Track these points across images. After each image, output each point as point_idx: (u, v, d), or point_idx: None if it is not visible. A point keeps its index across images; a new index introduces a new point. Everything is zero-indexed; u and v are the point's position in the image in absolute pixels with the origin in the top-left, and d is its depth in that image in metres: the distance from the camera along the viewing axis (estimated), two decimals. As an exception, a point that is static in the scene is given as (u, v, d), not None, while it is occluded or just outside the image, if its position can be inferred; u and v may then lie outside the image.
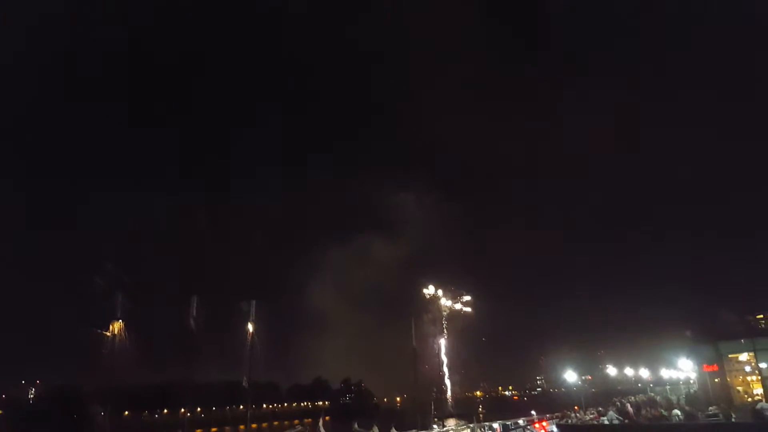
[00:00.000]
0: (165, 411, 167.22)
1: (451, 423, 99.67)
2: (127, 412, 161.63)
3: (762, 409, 33.53)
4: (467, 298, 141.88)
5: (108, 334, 54.65)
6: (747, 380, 40.68)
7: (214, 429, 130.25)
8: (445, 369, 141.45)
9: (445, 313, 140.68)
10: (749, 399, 38.38)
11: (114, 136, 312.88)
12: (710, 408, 37.30)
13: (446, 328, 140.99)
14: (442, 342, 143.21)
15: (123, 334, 55.34)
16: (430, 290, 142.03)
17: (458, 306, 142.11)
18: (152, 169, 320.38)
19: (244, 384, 58.67)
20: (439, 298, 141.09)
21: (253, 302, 60.33)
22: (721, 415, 34.96)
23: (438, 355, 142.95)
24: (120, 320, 55.58)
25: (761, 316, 45.32)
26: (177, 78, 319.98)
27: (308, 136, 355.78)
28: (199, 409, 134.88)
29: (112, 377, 56.29)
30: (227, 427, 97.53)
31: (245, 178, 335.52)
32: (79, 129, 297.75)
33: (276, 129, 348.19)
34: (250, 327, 58.95)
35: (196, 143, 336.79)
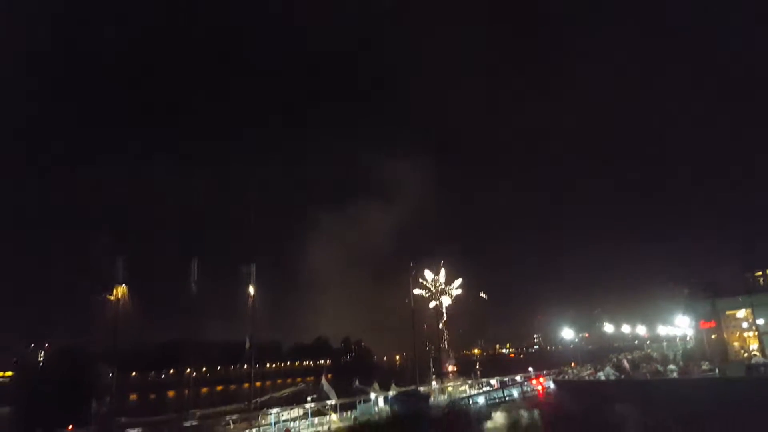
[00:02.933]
0: (171, 371, 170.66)
1: (450, 380, 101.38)
2: (134, 373, 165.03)
3: (756, 363, 34.23)
4: (458, 282, 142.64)
5: (112, 298, 55.32)
6: (743, 336, 41.28)
7: (219, 387, 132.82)
8: (443, 328, 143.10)
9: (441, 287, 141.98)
10: (745, 354, 39.00)
11: (113, 87, 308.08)
12: (704, 363, 37.98)
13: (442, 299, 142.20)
14: (441, 303, 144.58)
15: (126, 297, 56.00)
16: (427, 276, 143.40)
17: (454, 292, 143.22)
18: (152, 127, 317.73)
19: (247, 344, 59.63)
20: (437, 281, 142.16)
21: (254, 265, 60.97)
22: (716, 370, 35.70)
23: (436, 315, 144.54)
24: (123, 284, 56.18)
25: (760, 273, 45.49)
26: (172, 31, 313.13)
27: (310, 98, 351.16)
28: (204, 368, 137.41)
29: (117, 340, 57.19)
30: (232, 386, 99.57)
31: (244, 138, 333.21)
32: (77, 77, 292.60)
33: (277, 95, 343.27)
34: (251, 289, 59.71)
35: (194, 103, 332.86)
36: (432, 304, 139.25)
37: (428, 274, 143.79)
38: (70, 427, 46.64)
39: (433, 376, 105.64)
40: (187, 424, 48.73)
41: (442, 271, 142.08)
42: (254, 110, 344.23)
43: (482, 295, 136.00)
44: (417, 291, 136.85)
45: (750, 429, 25.58)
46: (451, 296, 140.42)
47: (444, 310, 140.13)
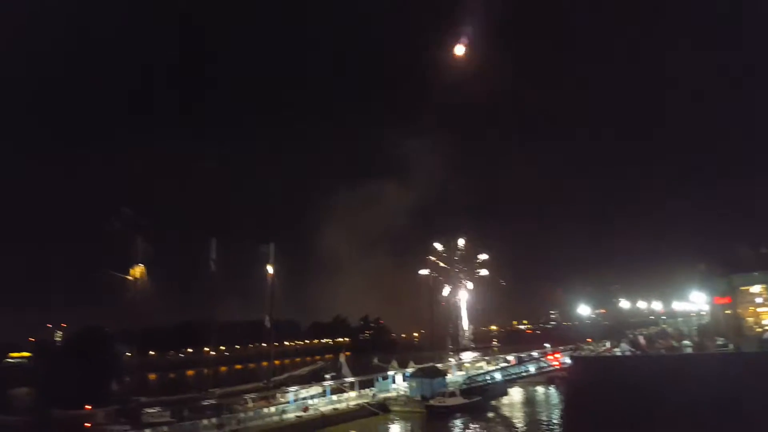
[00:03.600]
0: (189, 350, 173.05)
1: (467, 356, 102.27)
2: (152, 352, 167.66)
3: (769, 338, 34.34)
4: (483, 257, 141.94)
5: (130, 278, 56.23)
6: (757, 311, 41.20)
7: (238, 365, 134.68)
8: (462, 306, 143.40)
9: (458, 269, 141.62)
10: (759, 329, 38.96)
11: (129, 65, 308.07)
12: (718, 339, 38.01)
13: (461, 274, 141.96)
14: (461, 284, 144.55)
15: (145, 277, 56.91)
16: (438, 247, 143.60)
17: (476, 271, 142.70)
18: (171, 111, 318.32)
19: (266, 323, 60.52)
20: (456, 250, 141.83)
21: (272, 245, 61.65)
22: (730, 345, 35.73)
23: (454, 292, 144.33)
24: (141, 264, 57.07)
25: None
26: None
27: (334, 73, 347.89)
28: (223, 347, 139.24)
29: (136, 319, 58.23)
30: (251, 364, 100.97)
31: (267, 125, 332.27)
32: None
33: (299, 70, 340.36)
34: (270, 269, 60.44)
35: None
36: (446, 290, 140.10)
37: (438, 246, 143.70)
38: (89, 406, 47.64)
39: (451, 352, 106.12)
40: (206, 402, 49.73)
41: (461, 242, 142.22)
42: (276, 87, 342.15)
43: (501, 282, 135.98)
44: (423, 271, 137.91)
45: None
46: (474, 275, 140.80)
47: (465, 289, 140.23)
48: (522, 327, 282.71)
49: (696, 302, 61.84)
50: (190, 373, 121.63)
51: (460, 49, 79.41)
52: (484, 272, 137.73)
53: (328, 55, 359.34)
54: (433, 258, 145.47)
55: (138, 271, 56.90)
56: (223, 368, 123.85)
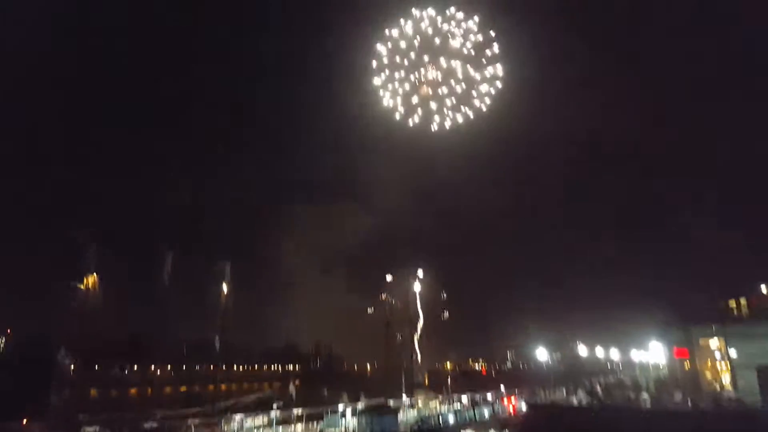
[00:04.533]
0: (135, 367, 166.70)
1: (420, 394, 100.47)
2: (97, 366, 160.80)
3: (728, 397, 34.10)
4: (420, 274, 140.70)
5: (82, 287, 53.95)
6: (716, 367, 41.13)
7: (183, 387, 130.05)
8: (416, 340, 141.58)
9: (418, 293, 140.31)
10: (717, 387, 38.82)
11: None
12: (676, 393, 37.72)
13: (419, 306, 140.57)
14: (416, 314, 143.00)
15: (97, 287, 54.68)
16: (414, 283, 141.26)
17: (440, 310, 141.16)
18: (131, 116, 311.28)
19: (216, 343, 58.45)
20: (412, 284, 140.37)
21: (228, 264, 59.90)
22: (689, 402, 35.44)
23: (409, 326, 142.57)
24: (94, 273, 54.86)
25: (733, 302, 45.37)
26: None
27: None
28: (169, 366, 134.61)
29: (83, 330, 55.73)
30: (196, 386, 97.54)
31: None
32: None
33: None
34: (225, 287, 58.60)
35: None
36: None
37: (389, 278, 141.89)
38: (25, 421, 44.92)
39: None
40: (147, 425, 47.22)
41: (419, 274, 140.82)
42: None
43: (444, 313, 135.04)
44: (370, 310, 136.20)
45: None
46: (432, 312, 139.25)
47: (419, 323, 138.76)
48: (477, 367, 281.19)
49: (654, 352, 61.91)
50: (133, 391, 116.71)
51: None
52: (445, 314, 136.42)
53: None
54: (383, 296, 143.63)
55: (90, 280, 54.64)
56: (168, 389, 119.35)
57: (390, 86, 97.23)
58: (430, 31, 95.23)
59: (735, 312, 44.35)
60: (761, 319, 41.24)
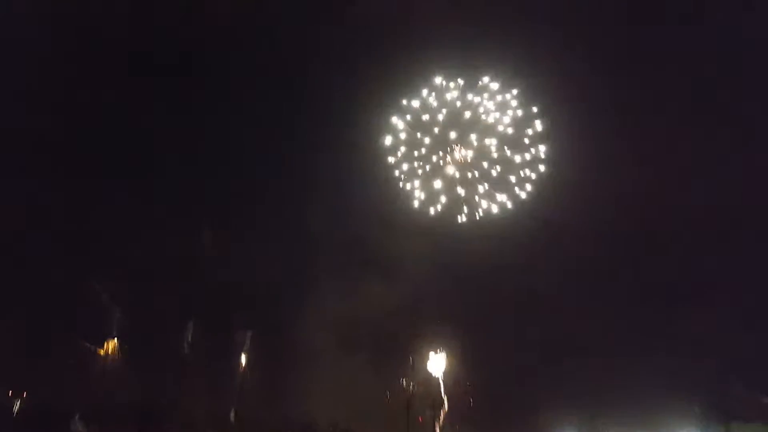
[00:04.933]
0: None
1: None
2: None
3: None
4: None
5: (102, 351, 53.64)
6: (759, 467, 38.76)
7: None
8: (438, 425, 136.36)
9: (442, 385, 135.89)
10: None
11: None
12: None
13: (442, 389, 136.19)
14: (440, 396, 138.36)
15: (117, 352, 54.32)
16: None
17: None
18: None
19: (230, 416, 57.30)
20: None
21: (249, 333, 59.54)
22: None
23: (432, 409, 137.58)
24: (115, 338, 54.64)
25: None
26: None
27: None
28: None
29: (100, 395, 55.07)
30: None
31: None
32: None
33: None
34: (244, 358, 57.96)
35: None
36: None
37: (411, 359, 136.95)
38: None
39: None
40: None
41: (443, 358, 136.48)
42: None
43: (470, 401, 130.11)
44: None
45: None
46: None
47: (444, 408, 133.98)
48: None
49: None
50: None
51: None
52: (471, 402, 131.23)
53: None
54: (404, 380, 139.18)
55: (111, 345, 54.42)
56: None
57: (407, 166, 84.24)
58: (458, 103, 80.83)
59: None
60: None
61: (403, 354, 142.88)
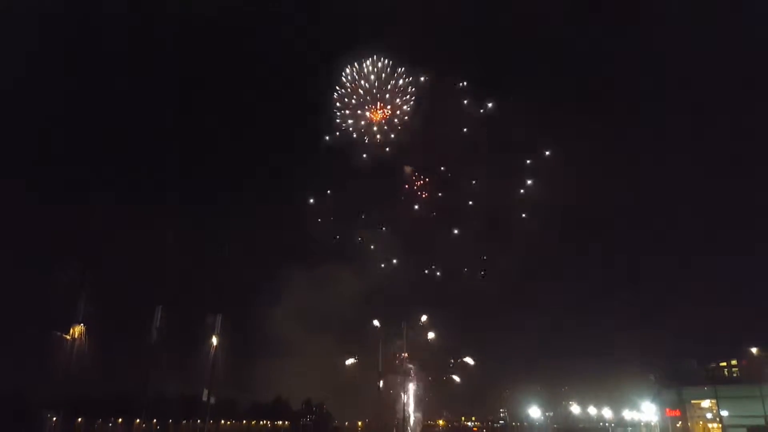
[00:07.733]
0: (119, 420, 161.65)
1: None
2: (80, 419, 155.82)
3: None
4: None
5: (68, 337, 53.12)
6: (708, 427, 41.05)
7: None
8: (409, 396, 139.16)
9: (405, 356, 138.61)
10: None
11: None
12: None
13: (409, 360, 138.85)
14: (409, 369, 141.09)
15: (83, 338, 53.84)
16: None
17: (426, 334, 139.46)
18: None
19: (204, 398, 57.46)
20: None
21: (219, 316, 59.51)
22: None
23: (402, 382, 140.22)
24: (81, 324, 54.15)
25: (724, 363, 45.87)
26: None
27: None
28: (154, 420, 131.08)
29: (67, 381, 54.56)
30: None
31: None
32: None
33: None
34: (215, 341, 58.06)
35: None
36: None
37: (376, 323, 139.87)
38: None
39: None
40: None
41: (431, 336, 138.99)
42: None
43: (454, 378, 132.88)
44: (349, 361, 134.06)
45: None
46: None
47: (413, 379, 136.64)
48: (470, 424, 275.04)
49: (646, 412, 61.57)
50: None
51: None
52: (456, 379, 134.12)
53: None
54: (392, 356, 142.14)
55: (77, 330, 53.92)
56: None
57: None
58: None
59: (726, 373, 44.70)
60: (752, 380, 41.46)
61: (375, 329, 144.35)
